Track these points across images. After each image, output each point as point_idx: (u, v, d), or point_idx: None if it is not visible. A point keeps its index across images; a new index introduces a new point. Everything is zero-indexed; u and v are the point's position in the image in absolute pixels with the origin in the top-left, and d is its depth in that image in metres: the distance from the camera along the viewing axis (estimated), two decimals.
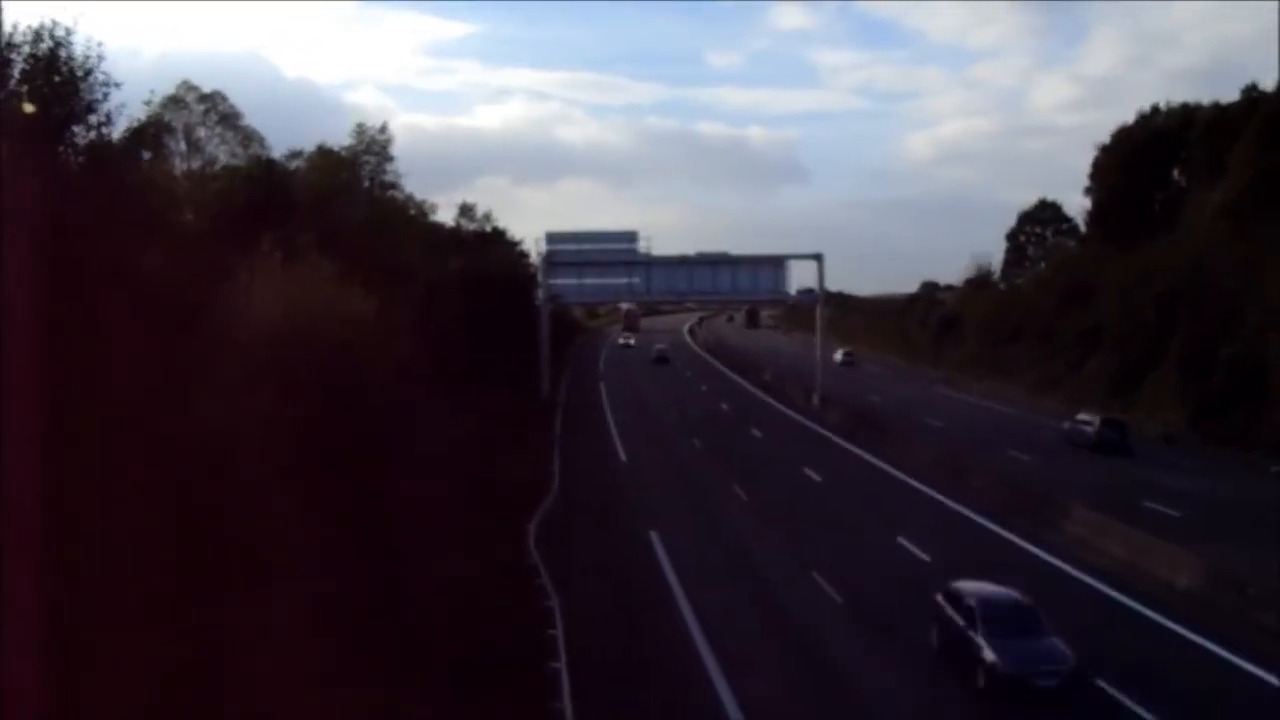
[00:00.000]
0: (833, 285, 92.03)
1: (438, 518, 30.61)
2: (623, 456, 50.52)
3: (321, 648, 16.27)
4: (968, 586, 23.87)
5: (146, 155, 25.16)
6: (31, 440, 11.83)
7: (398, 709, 17.53)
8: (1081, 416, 53.59)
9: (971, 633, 22.15)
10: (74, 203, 15.42)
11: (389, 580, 20.95)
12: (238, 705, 14.18)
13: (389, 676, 18.59)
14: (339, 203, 48.58)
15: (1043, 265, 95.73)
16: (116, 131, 18.79)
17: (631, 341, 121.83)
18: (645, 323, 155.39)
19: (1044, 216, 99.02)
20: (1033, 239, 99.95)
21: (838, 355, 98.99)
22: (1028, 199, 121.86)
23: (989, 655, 21.43)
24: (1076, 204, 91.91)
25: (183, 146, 44.35)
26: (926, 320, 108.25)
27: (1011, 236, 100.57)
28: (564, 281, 72.41)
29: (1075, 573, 30.75)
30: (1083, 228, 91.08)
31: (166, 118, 40.78)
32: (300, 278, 25.81)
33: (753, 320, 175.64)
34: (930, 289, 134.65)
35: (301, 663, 15.43)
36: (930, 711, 21.20)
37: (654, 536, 34.39)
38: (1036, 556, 32.69)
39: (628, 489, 43.11)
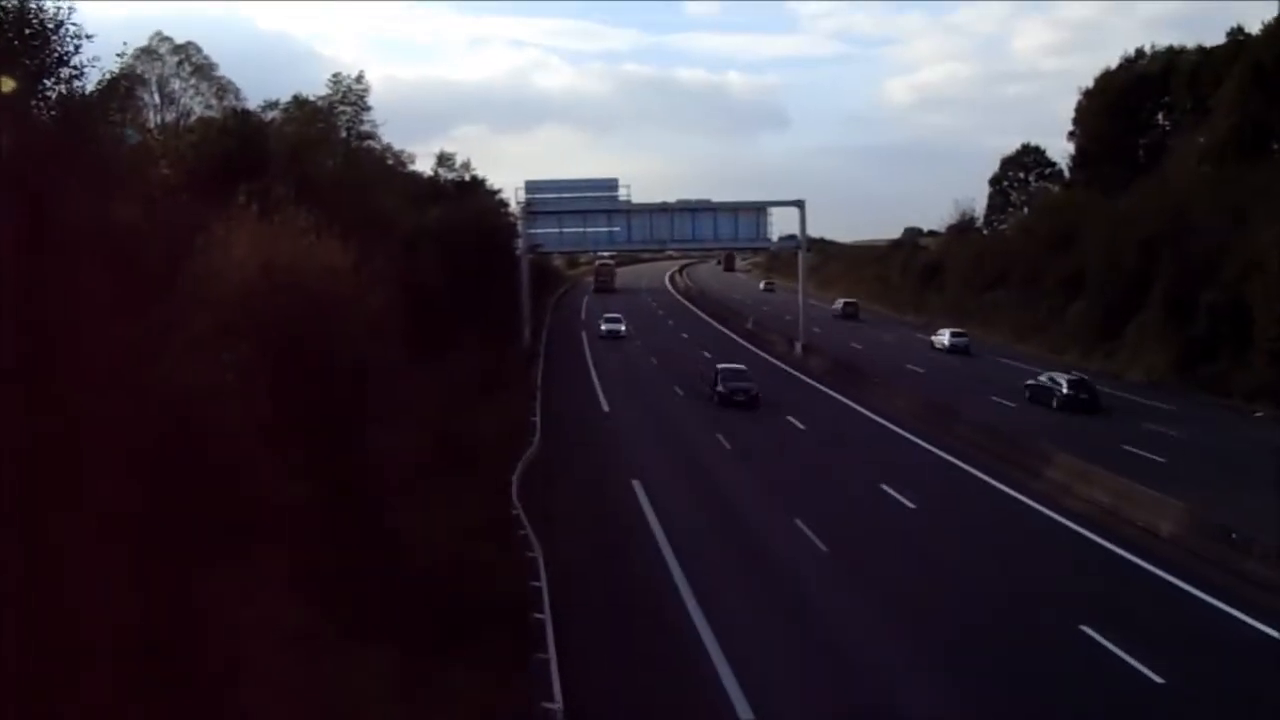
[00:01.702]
0: (814, 232, 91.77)
1: (418, 472, 30.63)
2: (605, 406, 50.53)
3: (302, 606, 16.28)
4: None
5: (119, 108, 24.80)
6: None
7: (378, 662, 17.56)
8: (1045, 377, 52.21)
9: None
10: (44, 157, 15.20)
11: (368, 537, 20.95)
12: (215, 665, 14.18)
13: (370, 633, 18.62)
14: (315, 154, 48.17)
15: (1026, 211, 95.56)
16: (89, 85, 18.49)
17: (620, 330, 79.38)
18: (624, 273, 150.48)
19: (1027, 161, 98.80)
20: (1015, 184, 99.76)
21: (836, 305, 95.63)
22: (1010, 144, 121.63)
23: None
24: (1060, 149, 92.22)
25: (156, 99, 43.80)
26: (909, 267, 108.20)
27: (994, 182, 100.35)
28: (544, 231, 71.96)
29: (1059, 518, 31.02)
30: (1066, 173, 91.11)
31: (139, 69, 40.20)
32: (276, 231, 25.56)
33: (729, 265, 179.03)
34: (913, 235, 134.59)
35: (281, 620, 15.44)
36: None
37: (637, 486, 34.48)
38: (1020, 502, 32.96)
39: (610, 439, 43.17)
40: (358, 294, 27.80)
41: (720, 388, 50.21)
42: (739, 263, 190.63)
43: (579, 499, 33.50)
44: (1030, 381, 52.54)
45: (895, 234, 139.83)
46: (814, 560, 27.29)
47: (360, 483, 23.19)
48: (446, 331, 50.00)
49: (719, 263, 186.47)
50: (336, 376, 22.66)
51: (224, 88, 46.25)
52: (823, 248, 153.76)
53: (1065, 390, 49.55)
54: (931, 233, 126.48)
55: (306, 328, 22.19)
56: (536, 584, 22.65)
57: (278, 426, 18.34)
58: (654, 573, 26.15)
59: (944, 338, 73.70)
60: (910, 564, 27.06)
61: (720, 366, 52.98)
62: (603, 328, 79.29)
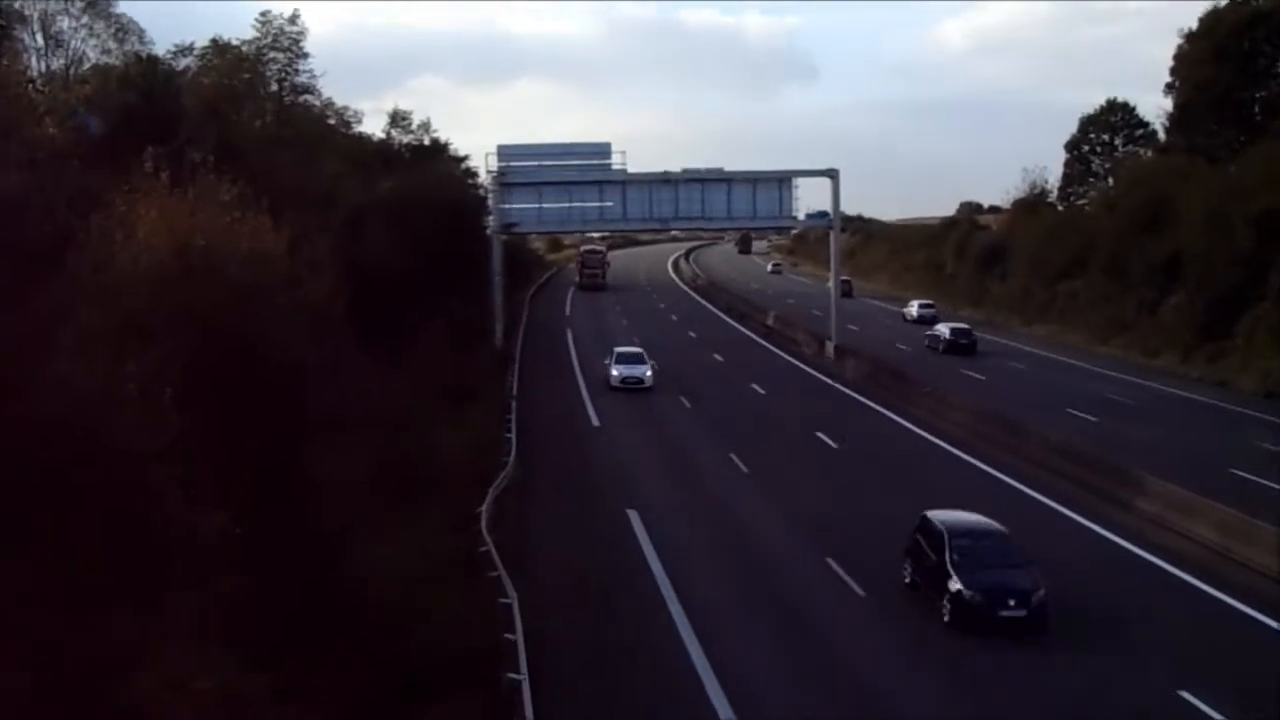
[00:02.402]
0: (850, 208, 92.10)
1: (368, 500, 30.49)
2: (594, 420, 50.47)
3: (223, 663, 16.14)
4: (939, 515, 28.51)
5: None
6: None
7: None
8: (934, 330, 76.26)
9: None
10: None
11: (306, 579, 20.82)
12: None
13: (307, 695, 18.46)
14: (239, 111, 48.03)
15: (1110, 182, 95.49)
16: None
17: (643, 376, 58.35)
18: (619, 258, 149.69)
19: (1112, 121, 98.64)
20: (1098, 149, 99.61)
21: (911, 309, 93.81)
22: (1091, 100, 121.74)
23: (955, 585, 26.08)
24: (1154, 105, 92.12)
25: (39, 41, 43.60)
26: (965, 250, 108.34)
27: (1072, 146, 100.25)
28: (520, 206, 72.01)
29: (1156, 561, 30.83)
30: (1161, 134, 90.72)
31: (17, 3, 40.05)
32: (191, 205, 25.43)
33: (745, 247, 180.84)
34: (970, 212, 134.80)
35: (196, 681, 15.30)
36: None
37: (633, 517, 34.37)
38: (1104, 539, 32.80)
39: (601, 460, 43.08)
40: (293, 283, 27.70)
41: (614, 371, 57.74)
42: (758, 245, 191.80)
43: (563, 533, 33.38)
44: (929, 332, 76.70)
45: (949, 210, 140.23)
46: (855, 610, 27.12)
47: (296, 513, 23.07)
48: (403, 329, 49.98)
49: (737, 245, 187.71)
50: (268, 384, 22.55)
51: (125, 28, 46.17)
52: (861, 227, 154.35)
53: (948, 336, 73.61)
54: (993, 209, 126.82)
55: (230, 324, 22.09)
56: (511, 636, 22.51)
57: (193, 445, 18.20)
58: (655, 625, 26.00)
59: (913, 309, 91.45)
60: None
61: (617, 350, 61.25)
62: (613, 371, 58.42)
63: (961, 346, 71.71)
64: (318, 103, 59.81)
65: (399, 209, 57.59)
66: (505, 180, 70.75)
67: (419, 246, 56.27)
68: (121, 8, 45.75)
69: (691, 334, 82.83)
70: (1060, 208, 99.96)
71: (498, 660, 21.78)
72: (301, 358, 25.00)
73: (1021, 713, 22.08)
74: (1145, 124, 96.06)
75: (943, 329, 75.38)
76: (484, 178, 75.47)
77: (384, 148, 76.98)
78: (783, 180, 72.61)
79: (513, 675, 20.61)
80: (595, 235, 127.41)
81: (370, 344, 45.35)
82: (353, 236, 47.50)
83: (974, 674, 23.56)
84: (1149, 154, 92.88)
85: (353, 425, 35.34)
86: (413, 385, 45.80)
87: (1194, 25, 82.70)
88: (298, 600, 20.13)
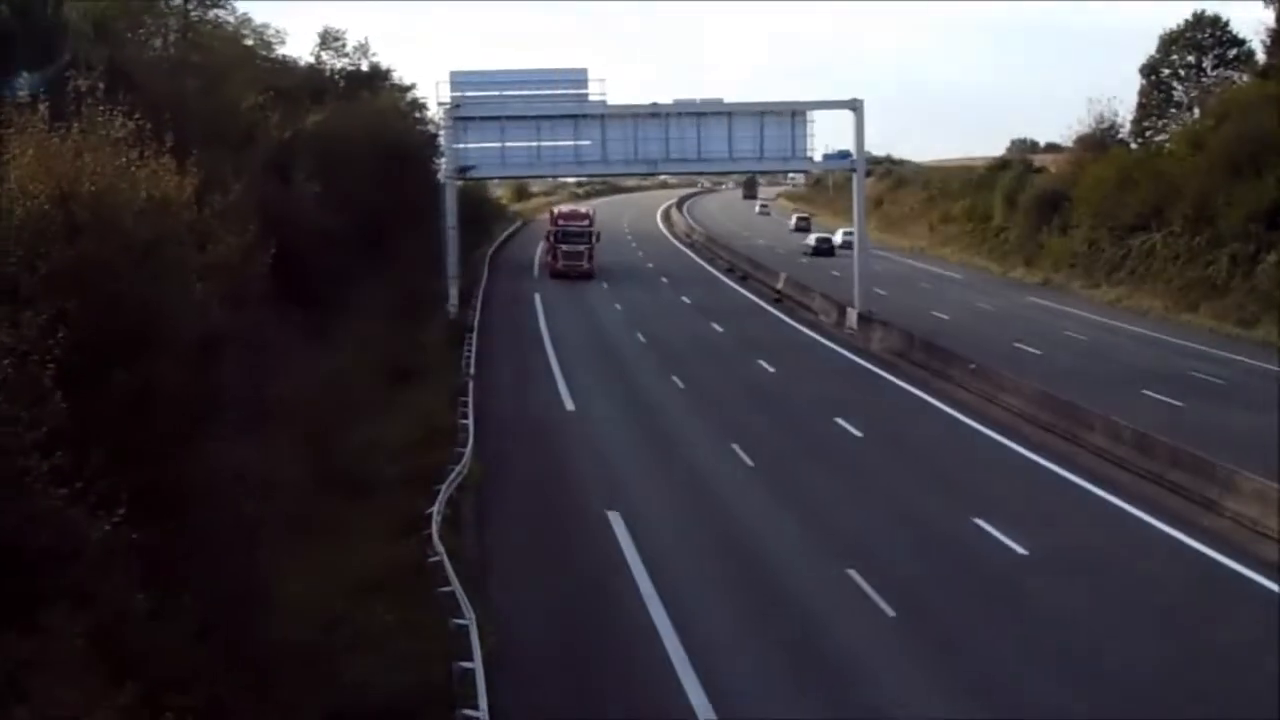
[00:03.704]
0: (878, 146, 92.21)
1: (292, 499, 30.40)
2: (568, 403, 50.46)
3: (113, 694, 16.07)
4: None
5: None
6: None
7: None
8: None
9: None
10: None
11: (212, 596, 20.73)
12: None
13: None
14: (136, 28, 47.79)
15: (1196, 113, 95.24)
16: None
17: None
18: (599, 209, 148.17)
19: (1200, 39, 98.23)
20: (1182, 73, 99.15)
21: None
22: (1175, 13, 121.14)
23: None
24: (1251, 18, 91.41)
25: None
26: (1017, 197, 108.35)
27: (1149, 71, 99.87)
28: (479, 146, 71.87)
29: (1248, 573, 30.82)
30: (1261, 54, 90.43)
31: None
32: (77, 144, 25.21)
33: (750, 192, 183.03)
34: (1023, 151, 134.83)
35: (83, 717, 15.22)
36: None
37: (615, 520, 34.34)
38: (1191, 550, 32.78)
39: (576, 452, 43.07)
40: (202, 238, 27.51)
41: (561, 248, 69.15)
42: (763, 193, 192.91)
43: (531, 540, 33.39)
44: (807, 242, 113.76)
45: (997, 149, 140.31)
46: (884, 635, 27.15)
47: (205, 517, 22.95)
48: (336, 295, 49.93)
49: (747, 196, 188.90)
50: (171, 361, 22.39)
51: None
52: (891, 169, 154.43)
53: (812, 244, 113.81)
54: (1051, 148, 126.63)
55: (125, 288, 21.88)
56: (467, 665, 22.49)
57: (74, 434, 18.07)
58: (643, 651, 25.98)
59: (810, 239, 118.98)
60: (1049, 665, 26.81)
61: (560, 221, 76.81)
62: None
63: (824, 250, 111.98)
64: (231, 19, 59.68)
65: (331, 149, 57.43)
66: (460, 114, 70.57)
67: (356, 195, 56.14)
68: None
69: (685, 300, 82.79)
70: (1134, 146, 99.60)
71: (451, 696, 21.72)
72: (213, 329, 24.81)
73: None
74: (1241, 42, 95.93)
75: (810, 239, 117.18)
76: (434, 111, 75.47)
77: (313, 74, 76.80)
78: (795, 114, 72.53)
79: (469, 713, 20.58)
80: (570, 180, 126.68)
81: (297, 313, 45.29)
82: (275, 182, 47.34)
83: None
84: (1245, 79, 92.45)
85: (276, 410, 35.24)
86: (348, 362, 45.74)
87: None
88: (204, 623, 20.03)
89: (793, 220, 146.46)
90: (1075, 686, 24.38)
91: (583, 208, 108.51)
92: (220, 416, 25.76)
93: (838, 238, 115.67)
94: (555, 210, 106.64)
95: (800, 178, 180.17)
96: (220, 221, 29.09)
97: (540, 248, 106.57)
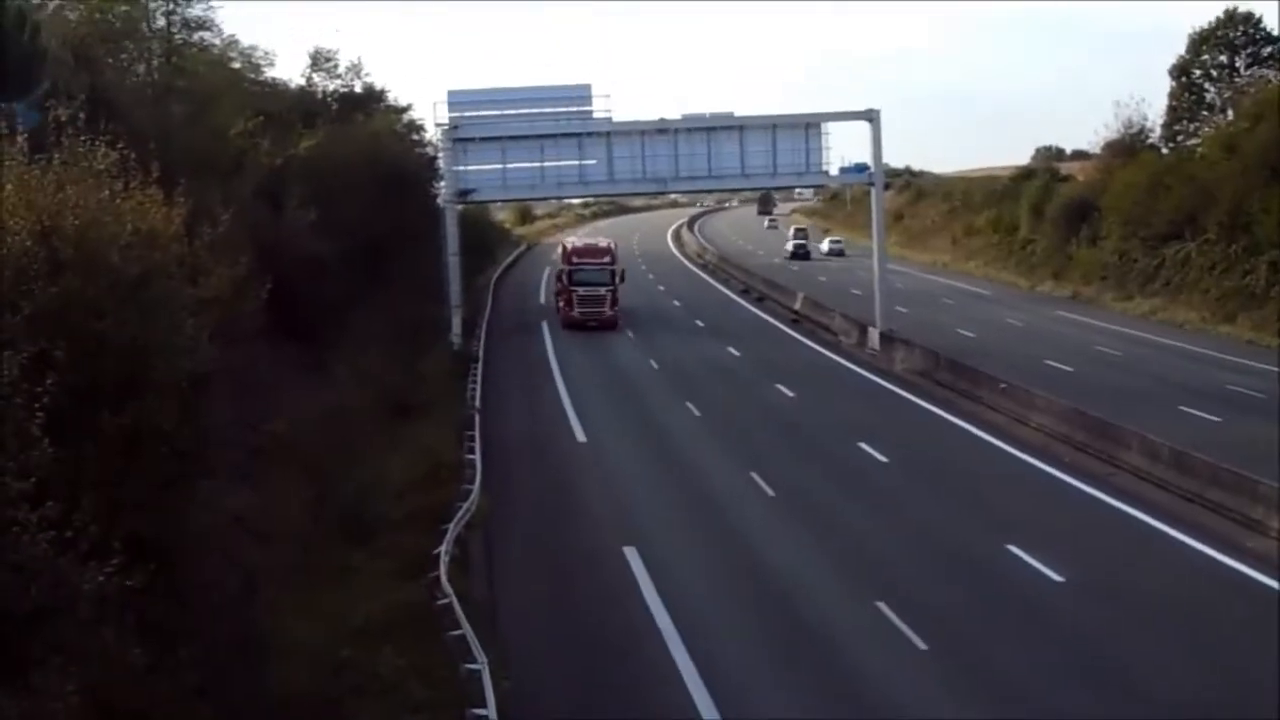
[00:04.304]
0: (896, 159, 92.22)
1: (291, 543, 30.38)
2: (579, 434, 50.40)
3: None
4: None
5: None
6: None
7: None
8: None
9: None
10: None
11: (208, 646, 20.72)
12: None
13: None
14: (118, 53, 47.85)
15: (1230, 115, 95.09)
16: None
17: None
18: (606, 231, 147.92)
19: (1232, 37, 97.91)
20: (1214, 74, 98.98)
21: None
22: (1206, 12, 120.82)
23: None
24: None
25: None
26: (1044, 207, 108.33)
27: (1179, 72, 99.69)
28: (479, 167, 71.97)
29: None
30: None
31: None
32: (59, 175, 25.25)
33: (765, 207, 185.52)
34: (1050, 159, 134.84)
35: None
36: None
37: (632, 556, 34.26)
38: (1235, 573, 32.64)
39: (589, 486, 42.97)
40: (192, 272, 27.52)
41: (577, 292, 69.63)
42: (779, 209, 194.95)
43: (544, 579, 33.31)
44: (786, 247, 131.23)
45: (1022, 158, 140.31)
46: (918, 670, 27.04)
47: (200, 565, 22.95)
48: (333, 325, 49.90)
49: (761, 212, 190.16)
50: (160, 401, 22.37)
51: None
52: (910, 181, 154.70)
53: (790, 248, 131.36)
54: (1079, 155, 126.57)
55: (111, 326, 21.90)
56: (480, 713, 22.42)
57: (61, 479, 18.05)
58: (665, 694, 25.90)
59: (789, 245, 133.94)
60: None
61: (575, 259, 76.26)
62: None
63: (800, 254, 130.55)
64: (218, 41, 59.54)
65: (325, 175, 57.47)
66: (459, 135, 70.64)
67: (352, 222, 56.15)
68: None
69: (698, 323, 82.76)
70: (1165, 151, 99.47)
71: None
72: (205, 367, 24.82)
73: None
74: (1275, 39, 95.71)
75: (789, 245, 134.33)
76: (432, 132, 75.45)
77: (304, 97, 76.83)
78: (809, 126, 72.49)
79: None
80: (575, 201, 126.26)
81: (293, 347, 45.31)
82: (267, 211, 47.38)
83: None
84: None
85: (273, 450, 35.22)
86: (348, 398, 45.69)
87: None
88: (204, 676, 20.00)
89: (791, 233, 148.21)
90: (1113, 714, 24.30)
91: (602, 241, 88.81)
92: (215, 459, 25.77)
93: (824, 245, 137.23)
94: (568, 245, 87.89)
95: (808, 192, 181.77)
96: (210, 254, 29.08)
97: (548, 278, 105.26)
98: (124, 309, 22.02)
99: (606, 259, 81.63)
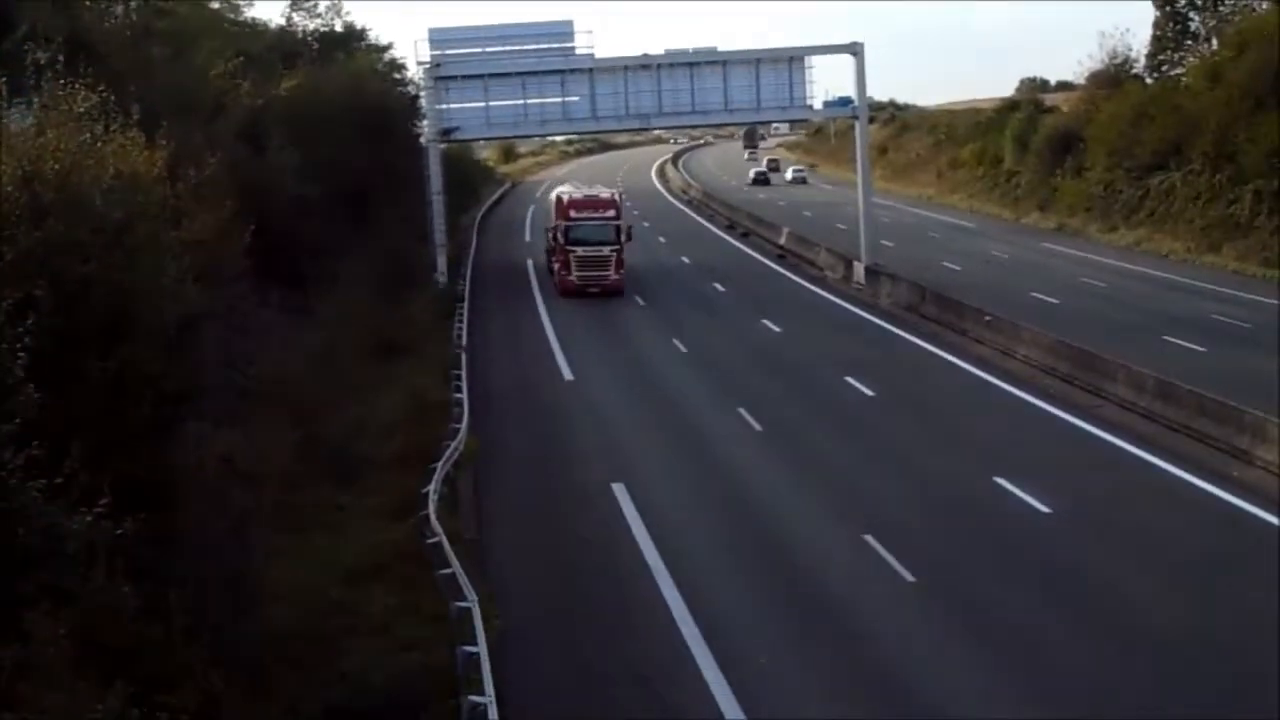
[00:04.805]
0: (880, 92, 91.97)
1: (280, 484, 30.41)
2: (567, 373, 50.42)
3: (101, 696, 16.09)
4: None
5: None
6: None
7: None
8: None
9: None
10: None
11: (201, 590, 20.76)
12: None
13: None
14: None
15: (1215, 44, 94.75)
16: None
17: None
18: (590, 168, 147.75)
19: None
20: (1199, 3, 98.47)
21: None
22: None
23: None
24: None
25: None
26: (1029, 139, 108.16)
27: (1164, 2, 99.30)
28: (462, 106, 71.63)
29: None
30: None
31: None
32: (38, 119, 25.17)
33: (751, 142, 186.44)
34: (1034, 91, 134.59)
35: None
36: None
37: (620, 492, 34.35)
38: (1222, 502, 32.78)
39: (577, 423, 43.03)
40: (176, 215, 27.47)
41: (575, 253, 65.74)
42: (765, 144, 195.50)
43: (533, 516, 33.42)
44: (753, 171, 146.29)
45: (1006, 90, 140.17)
46: (907, 604, 27.18)
47: (188, 508, 22.97)
48: (318, 266, 49.82)
49: (747, 147, 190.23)
50: (145, 345, 22.36)
51: None
52: (894, 115, 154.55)
53: (754, 173, 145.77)
54: (1063, 86, 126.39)
55: (95, 270, 21.86)
56: (471, 649, 22.50)
57: (49, 426, 18.06)
58: (655, 628, 26.01)
59: (752, 171, 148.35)
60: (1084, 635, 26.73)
61: (572, 214, 67.87)
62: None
63: (761, 180, 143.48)
64: None
65: (307, 116, 57.25)
66: (441, 74, 70.31)
67: (335, 163, 55.98)
68: None
69: (684, 260, 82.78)
70: (1149, 81, 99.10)
71: (454, 682, 21.76)
72: (190, 310, 24.80)
73: None
74: None
75: (752, 171, 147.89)
76: (414, 71, 75.10)
77: (284, 37, 76.46)
78: (793, 60, 72.19)
79: (475, 698, 20.60)
80: (559, 138, 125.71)
81: (278, 289, 45.24)
82: (250, 153, 47.21)
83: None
84: (1265, 6, 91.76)
85: (260, 392, 35.22)
86: (334, 339, 45.68)
87: None
88: (195, 618, 20.05)
89: (764, 163, 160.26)
90: (1103, 646, 24.42)
91: (603, 191, 75.85)
92: (202, 402, 25.77)
93: (789, 173, 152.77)
94: (563, 196, 72.93)
95: (784, 127, 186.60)
96: (194, 197, 29.05)
97: (532, 216, 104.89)
98: (108, 253, 21.97)
99: (610, 213, 69.97)
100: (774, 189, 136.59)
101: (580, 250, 68.68)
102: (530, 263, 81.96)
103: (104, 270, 21.60)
